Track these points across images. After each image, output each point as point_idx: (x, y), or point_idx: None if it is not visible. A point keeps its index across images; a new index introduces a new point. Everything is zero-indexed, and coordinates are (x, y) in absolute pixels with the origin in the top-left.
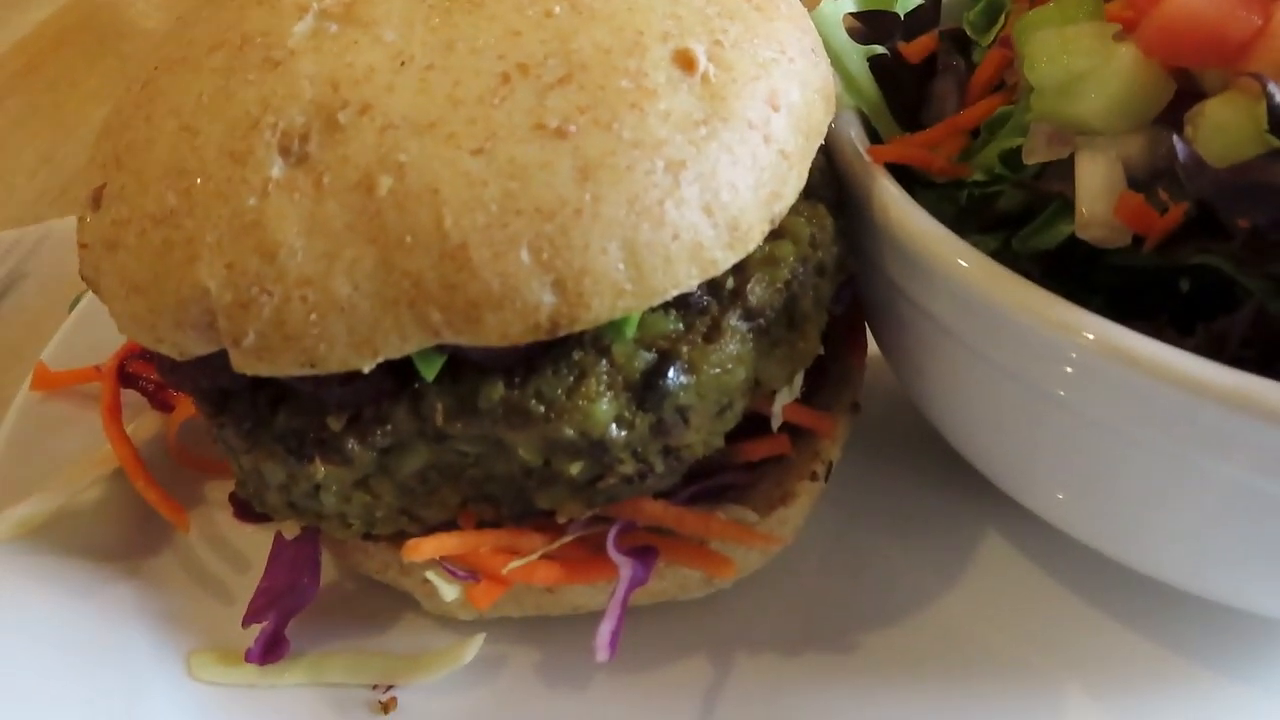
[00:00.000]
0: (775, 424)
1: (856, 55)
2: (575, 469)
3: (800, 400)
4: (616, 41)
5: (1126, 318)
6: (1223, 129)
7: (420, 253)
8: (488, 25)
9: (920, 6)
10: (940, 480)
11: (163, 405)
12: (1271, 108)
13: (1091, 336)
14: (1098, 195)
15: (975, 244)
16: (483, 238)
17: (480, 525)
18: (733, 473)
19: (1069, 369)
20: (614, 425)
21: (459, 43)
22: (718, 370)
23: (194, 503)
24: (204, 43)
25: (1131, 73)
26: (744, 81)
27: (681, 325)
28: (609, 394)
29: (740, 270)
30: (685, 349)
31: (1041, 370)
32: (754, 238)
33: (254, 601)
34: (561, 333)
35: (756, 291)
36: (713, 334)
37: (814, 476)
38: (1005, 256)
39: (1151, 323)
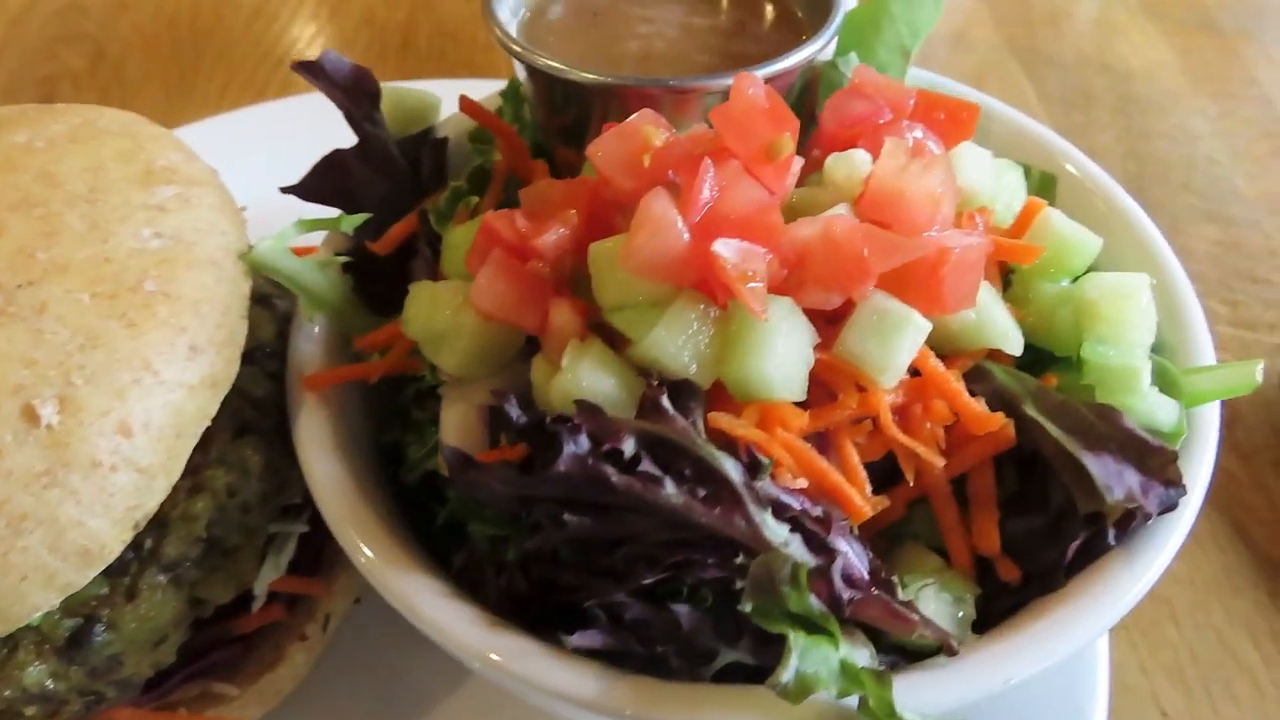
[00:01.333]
0: (257, 605)
1: (315, 269)
2: (32, 711)
3: (298, 565)
4: None
5: None
6: (537, 387)
7: None
8: None
9: (387, 199)
10: None
11: None
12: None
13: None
14: (451, 434)
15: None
16: None
17: None
18: (224, 649)
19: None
20: (50, 681)
21: None
22: (136, 624)
23: None
24: None
25: (478, 331)
26: (91, 420)
27: (106, 588)
28: (38, 660)
29: (160, 528)
30: (107, 610)
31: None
32: (112, 551)
33: None
34: None
35: (171, 548)
36: (133, 591)
37: (304, 637)
38: None
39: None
